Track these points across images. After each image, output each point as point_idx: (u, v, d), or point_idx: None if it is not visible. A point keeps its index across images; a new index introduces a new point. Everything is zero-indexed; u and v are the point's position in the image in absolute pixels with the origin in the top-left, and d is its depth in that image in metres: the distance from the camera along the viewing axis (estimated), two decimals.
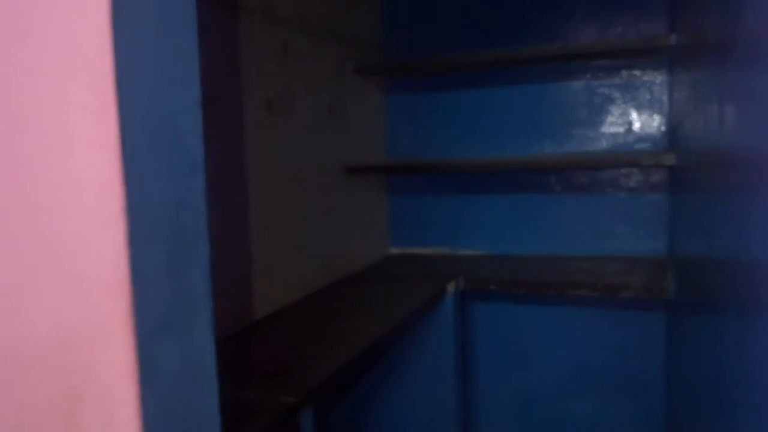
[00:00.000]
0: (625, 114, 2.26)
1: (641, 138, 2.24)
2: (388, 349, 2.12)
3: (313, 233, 2.02)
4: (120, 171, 0.64)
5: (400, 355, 2.13)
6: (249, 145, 1.68)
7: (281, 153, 1.84)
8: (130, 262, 0.64)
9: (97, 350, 0.66)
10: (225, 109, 1.60)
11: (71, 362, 0.67)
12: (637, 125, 2.24)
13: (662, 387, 2.16)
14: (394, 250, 2.58)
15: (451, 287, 2.08)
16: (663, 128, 2.21)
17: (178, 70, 0.71)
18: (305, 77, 1.95)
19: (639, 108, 2.24)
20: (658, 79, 2.21)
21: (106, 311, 0.65)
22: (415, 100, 2.50)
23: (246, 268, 1.67)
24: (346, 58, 2.20)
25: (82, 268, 0.66)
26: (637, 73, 2.23)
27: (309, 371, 1.34)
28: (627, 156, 2.09)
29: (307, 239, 1.99)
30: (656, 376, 2.18)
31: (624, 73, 2.24)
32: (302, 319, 1.76)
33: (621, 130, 2.26)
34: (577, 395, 2.33)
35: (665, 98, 2.20)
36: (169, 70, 0.69)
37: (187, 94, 0.72)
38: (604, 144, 2.28)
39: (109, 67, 0.63)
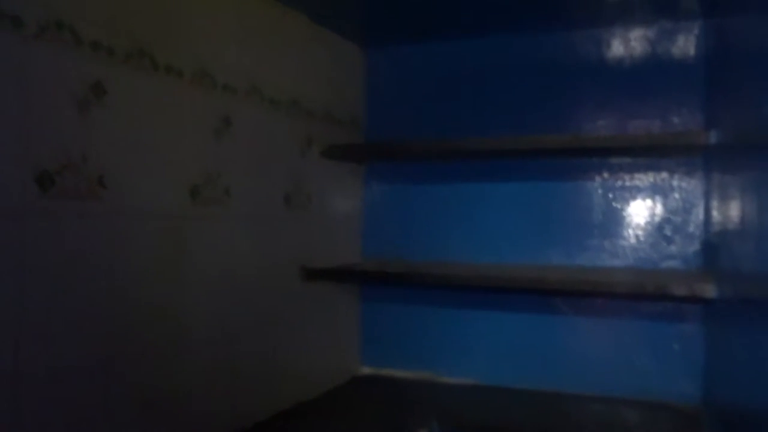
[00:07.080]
0: (650, 224, 1.85)
1: (670, 255, 1.82)
2: None
3: (252, 351, 1.58)
4: None
5: None
6: (159, 240, 1.29)
7: (209, 251, 1.44)
8: None
9: None
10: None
11: None
12: (664, 239, 1.82)
13: None
14: (366, 370, 2.12)
15: None
16: (697, 244, 1.79)
17: None
18: (252, 158, 1.58)
19: (667, 217, 1.83)
20: (690, 182, 1.81)
21: None
22: (397, 191, 2.10)
23: (137, 401, 1.23)
24: (312, 138, 1.83)
25: None
26: (665, 174, 1.83)
27: None
28: (652, 279, 1.64)
29: (242, 359, 1.55)
30: None
31: (650, 173, 1.84)
32: None
33: (644, 243, 1.84)
34: None
35: (700, 207, 1.79)
36: None
37: None
38: (622, 259, 1.86)
39: None
